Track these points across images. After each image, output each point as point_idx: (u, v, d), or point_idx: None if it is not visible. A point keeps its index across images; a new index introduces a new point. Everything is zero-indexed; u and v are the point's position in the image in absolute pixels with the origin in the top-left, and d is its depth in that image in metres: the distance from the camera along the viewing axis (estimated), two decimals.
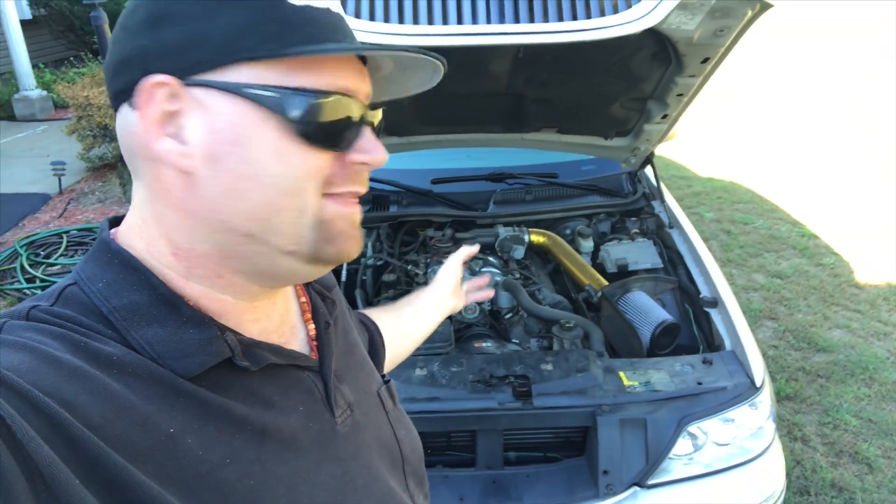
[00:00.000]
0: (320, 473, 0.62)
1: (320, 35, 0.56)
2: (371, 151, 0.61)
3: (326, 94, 0.57)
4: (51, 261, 4.52)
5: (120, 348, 0.54)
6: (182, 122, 0.55)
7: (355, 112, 0.59)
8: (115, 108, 0.58)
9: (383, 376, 0.85)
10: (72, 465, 0.45)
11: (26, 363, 0.48)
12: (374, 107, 0.65)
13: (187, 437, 0.53)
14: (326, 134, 0.57)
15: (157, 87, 0.54)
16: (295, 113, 0.55)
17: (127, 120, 0.57)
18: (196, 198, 0.56)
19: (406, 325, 1.17)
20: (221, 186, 0.55)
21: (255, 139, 0.55)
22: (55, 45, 10.08)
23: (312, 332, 0.72)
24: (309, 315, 0.74)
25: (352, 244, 0.63)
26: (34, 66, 8.51)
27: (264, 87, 0.54)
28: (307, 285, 0.76)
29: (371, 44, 0.59)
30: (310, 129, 0.56)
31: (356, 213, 0.63)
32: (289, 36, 0.55)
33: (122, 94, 0.56)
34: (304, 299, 0.74)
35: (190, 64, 0.54)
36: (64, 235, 4.86)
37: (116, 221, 0.64)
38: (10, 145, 7.31)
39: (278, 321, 0.67)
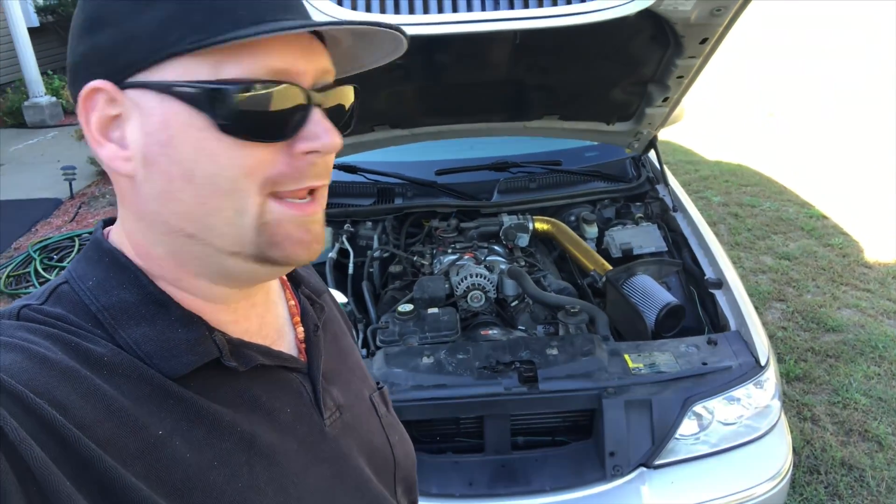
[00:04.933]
0: (309, 475, 0.62)
1: (252, 16, 0.52)
2: (320, 137, 0.55)
3: (250, 83, 0.52)
4: (64, 264, 4.58)
5: (109, 348, 0.54)
6: (124, 125, 0.54)
7: (294, 97, 0.54)
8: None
9: (377, 382, 0.84)
10: (63, 467, 0.45)
11: (17, 363, 0.48)
12: (340, 83, 0.61)
13: (175, 440, 0.53)
14: (256, 126, 0.53)
15: (95, 94, 0.53)
16: (217, 108, 0.52)
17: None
18: (140, 200, 0.56)
19: None
20: (157, 188, 0.54)
21: (184, 138, 0.53)
22: (63, 52, 10.11)
23: (301, 335, 0.71)
24: (298, 318, 0.72)
25: (300, 250, 0.58)
26: (43, 73, 8.57)
27: (190, 84, 0.52)
28: (296, 288, 0.75)
29: (295, 22, 0.53)
30: (235, 124, 0.52)
31: (309, 215, 0.58)
32: (216, 24, 0.51)
33: (77, 101, 0.55)
34: (293, 302, 0.74)
35: (124, 66, 0.52)
36: (76, 239, 4.92)
37: (111, 221, 0.64)
38: (22, 152, 7.39)
39: (258, 323, 0.66)
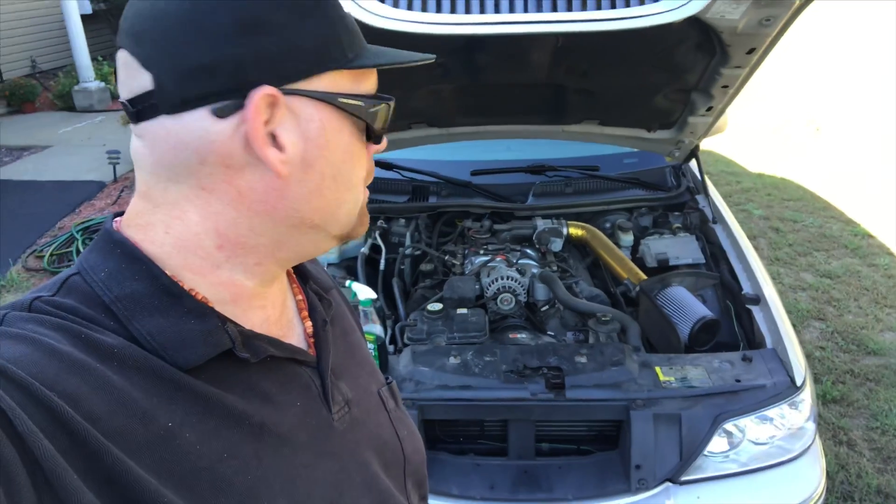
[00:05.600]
0: (317, 469, 0.62)
1: (362, 41, 0.61)
2: (382, 142, 0.66)
3: (389, 98, 0.63)
4: None
5: (120, 340, 0.53)
6: (274, 130, 0.55)
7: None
8: (177, 111, 0.54)
9: (386, 377, 0.84)
10: (71, 459, 0.45)
11: (27, 355, 0.48)
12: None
13: (185, 432, 0.53)
14: (380, 133, 0.64)
15: (268, 99, 0.54)
16: (373, 118, 0.62)
17: (202, 126, 0.54)
18: (281, 199, 0.58)
19: None
20: (308, 187, 0.59)
21: (337, 142, 0.60)
22: (114, 38, 10.41)
23: (309, 330, 0.72)
24: (306, 313, 0.73)
25: (367, 222, 0.70)
26: (93, 59, 8.80)
27: (347, 96, 0.59)
28: (304, 283, 0.76)
29: (411, 54, 0.64)
30: (375, 132, 0.63)
31: None
32: (355, 44, 0.60)
33: (201, 99, 0.53)
34: (300, 297, 0.74)
35: (287, 74, 0.55)
36: None
37: (120, 214, 0.64)
38: (70, 135, 7.60)
39: (279, 311, 0.67)
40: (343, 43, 0.58)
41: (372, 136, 0.63)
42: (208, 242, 0.58)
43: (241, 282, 0.61)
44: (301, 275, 0.76)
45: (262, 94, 0.53)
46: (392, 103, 0.64)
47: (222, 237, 0.58)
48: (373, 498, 0.68)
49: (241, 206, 0.57)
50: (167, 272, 0.58)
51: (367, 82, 0.62)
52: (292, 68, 0.55)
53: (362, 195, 0.66)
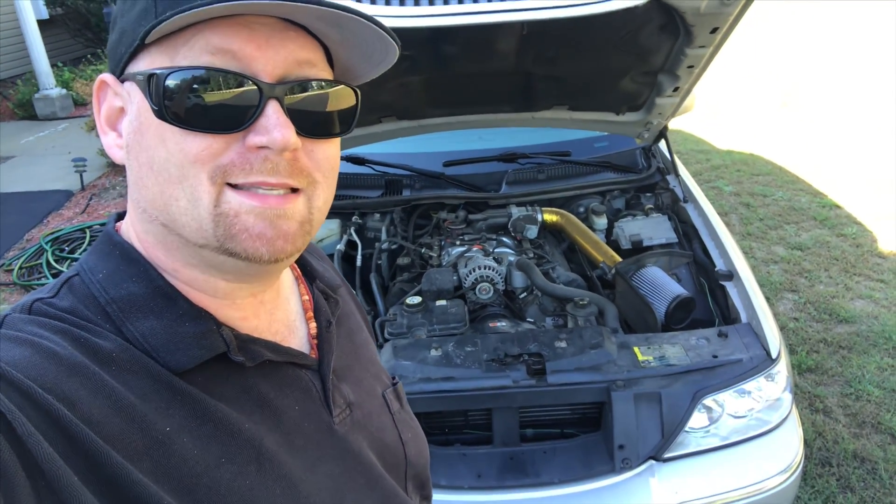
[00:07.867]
0: (318, 472, 0.62)
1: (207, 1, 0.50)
2: (269, 131, 0.53)
3: (181, 69, 0.52)
4: (75, 256, 4.61)
5: (118, 343, 0.54)
6: (112, 115, 0.59)
7: (235, 86, 0.53)
8: None
9: (392, 378, 0.83)
10: (70, 462, 0.45)
11: (27, 358, 0.48)
12: (336, 83, 0.60)
13: (183, 436, 0.53)
14: (197, 115, 0.52)
15: (103, 86, 0.58)
16: (154, 95, 0.52)
17: None
18: (130, 187, 0.59)
19: None
20: (134, 175, 0.57)
21: (148, 125, 0.54)
22: (73, 44, 10.17)
23: (314, 331, 0.71)
24: (311, 313, 0.72)
25: (259, 245, 0.55)
26: (53, 65, 8.58)
27: (140, 72, 0.54)
28: (311, 283, 0.74)
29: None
30: (174, 111, 0.52)
31: (274, 207, 0.55)
32: (175, 10, 0.50)
33: None
34: (306, 297, 0.73)
35: (118, 60, 0.56)
36: (87, 230, 4.94)
37: (124, 215, 0.64)
38: (33, 144, 7.42)
39: (267, 320, 0.65)
40: (157, 12, 0.51)
41: (182, 119, 0.52)
42: (139, 245, 0.60)
43: (195, 294, 0.60)
44: (307, 274, 0.75)
45: (96, 83, 0.58)
46: (209, 75, 0.52)
47: (138, 235, 0.60)
48: (376, 499, 0.68)
49: (130, 197, 0.59)
50: (164, 275, 0.58)
51: (191, 53, 0.52)
52: (120, 54, 0.56)
53: (210, 195, 0.53)
